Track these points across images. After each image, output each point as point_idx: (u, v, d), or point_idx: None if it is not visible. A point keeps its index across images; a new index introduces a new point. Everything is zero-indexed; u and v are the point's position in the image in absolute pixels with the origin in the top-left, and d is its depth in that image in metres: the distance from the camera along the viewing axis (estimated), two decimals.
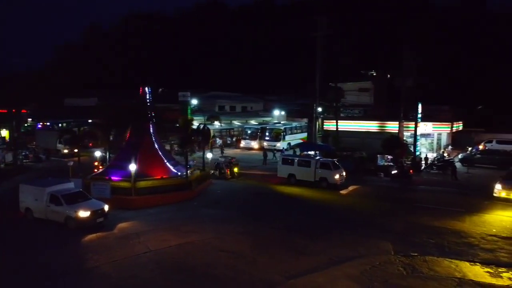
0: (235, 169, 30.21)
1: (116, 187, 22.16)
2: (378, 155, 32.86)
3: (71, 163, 23.98)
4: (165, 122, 27.99)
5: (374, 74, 57.25)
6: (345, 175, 28.34)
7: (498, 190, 23.36)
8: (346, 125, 41.14)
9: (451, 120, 42.22)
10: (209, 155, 28.55)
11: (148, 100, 25.66)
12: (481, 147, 45.14)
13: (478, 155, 37.11)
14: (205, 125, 27.58)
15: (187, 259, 15.10)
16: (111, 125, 25.23)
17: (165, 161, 25.23)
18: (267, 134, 45.98)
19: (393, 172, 30.68)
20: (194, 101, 49.88)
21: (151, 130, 25.38)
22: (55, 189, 19.39)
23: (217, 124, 49.78)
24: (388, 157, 32.42)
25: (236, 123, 54.64)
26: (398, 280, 13.41)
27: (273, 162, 36.18)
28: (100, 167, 26.77)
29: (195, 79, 66.16)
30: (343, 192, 26.26)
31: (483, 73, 58.74)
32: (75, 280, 13.68)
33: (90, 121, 44.17)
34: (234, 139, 50.45)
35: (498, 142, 45.85)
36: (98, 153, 28.19)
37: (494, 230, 18.26)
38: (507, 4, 75.44)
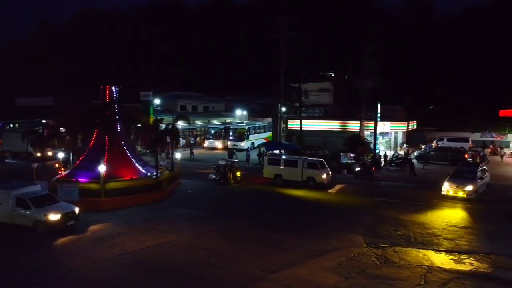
0: (238, 173, 28.69)
1: (84, 189, 21.55)
2: (341, 153, 34.10)
3: (35, 165, 22.98)
4: (133, 122, 27.40)
5: (333, 75, 59.25)
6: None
7: (446, 188, 23.81)
8: (309, 125, 42.33)
9: (404, 119, 44.50)
10: (177, 155, 28.37)
11: (115, 99, 25.17)
12: (433, 144, 48.01)
13: (432, 153, 39.42)
14: (174, 124, 27.30)
15: (167, 258, 15.10)
16: (77, 125, 24.43)
17: (134, 161, 24.85)
18: (231, 133, 46.29)
19: (356, 169, 31.98)
20: (157, 101, 49.17)
21: (118, 130, 24.90)
22: (22, 192, 18.57)
23: (181, 123, 49.27)
24: (351, 155, 33.75)
25: (199, 123, 54.44)
26: (373, 270, 14.19)
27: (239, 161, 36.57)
28: (62, 169, 25.84)
29: (156, 79, 64.96)
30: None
31: (433, 75, 62.25)
32: (53, 286, 13.30)
33: (44, 121, 42.39)
34: (197, 139, 50.29)
35: (449, 140, 48.94)
36: (60, 155, 27.16)
37: (453, 221, 19.66)
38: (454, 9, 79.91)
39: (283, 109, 42.09)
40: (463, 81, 62.38)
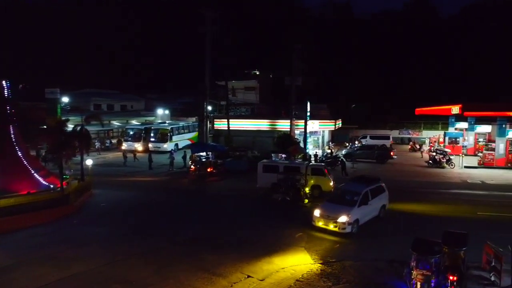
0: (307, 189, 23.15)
1: None
2: (272, 154, 32.39)
3: None
4: (31, 124, 22.94)
5: (258, 74, 57.97)
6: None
7: (316, 217, 17.66)
8: (237, 124, 40.21)
9: (330, 117, 44.41)
10: (88, 162, 24.46)
11: (6, 97, 20.67)
12: (356, 142, 48.71)
13: (359, 151, 39.50)
14: (83, 126, 23.38)
15: None
16: None
17: (33, 171, 20.60)
18: (152, 134, 42.58)
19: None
20: (65, 99, 43.61)
21: (11, 133, 20.45)
22: None
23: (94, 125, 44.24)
24: (282, 155, 32.17)
25: (116, 123, 49.63)
26: None
27: (157, 167, 33.37)
28: None
29: (65, 75, 58.19)
30: None
31: (354, 75, 63.91)
32: None
33: None
34: (114, 141, 45.64)
35: (372, 137, 50.06)
36: None
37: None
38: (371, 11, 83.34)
39: (209, 107, 39.54)
40: (382, 80, 64.98)
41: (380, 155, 38.10)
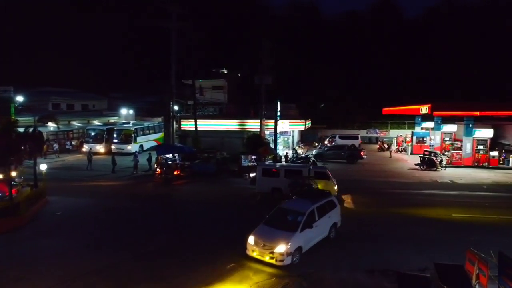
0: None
1: None
2: (242, 156, 31.33)
3: None
4: None
5: (226, 72, 56.62)
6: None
7: (250, 245, 14.32)
8: (205, 124, 38.81)
9: (299, 117, 43.79)
10: (42, 166, 22.44)
11: None
12: (326, 142, 48.42)
13: (330, 151, 39.04)
14: (36, 127, 21.40)
15: None
16: None
17: None
18: (115, 135, 40.51)
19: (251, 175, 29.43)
20: (20, 98, 40.72)
21: None
22: None
23: (52, 125, 41.61)
24: (253, 157, 31.16)
25: (76, 123, 47.01)
26: None
27: (120, 170, 31.56)
28: None
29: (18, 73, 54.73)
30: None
31: (322, 75, 63.74)
32: None
33: None
34: (74, 143, 43.12)
35: (341, 137, 49.88)
36: None
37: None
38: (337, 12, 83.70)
39: (176, 107, 37.90)
40: (350, 80, 65.22)
41: (350, 155, 37.80)
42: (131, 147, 39.05)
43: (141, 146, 40.89)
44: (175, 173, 29.32)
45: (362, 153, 37.97)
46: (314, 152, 39.94)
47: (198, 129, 37.08)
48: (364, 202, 22.77)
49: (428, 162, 32.90)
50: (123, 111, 52.42)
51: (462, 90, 57.73)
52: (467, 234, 16.22)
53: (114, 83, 64.76)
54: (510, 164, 34.10)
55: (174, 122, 36.08)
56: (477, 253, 12.24)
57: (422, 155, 34.04)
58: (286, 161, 34.53)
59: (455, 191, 25.49)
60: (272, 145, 35.80)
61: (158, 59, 41.65)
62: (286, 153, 36.22)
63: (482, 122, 36.52)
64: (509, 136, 44.36)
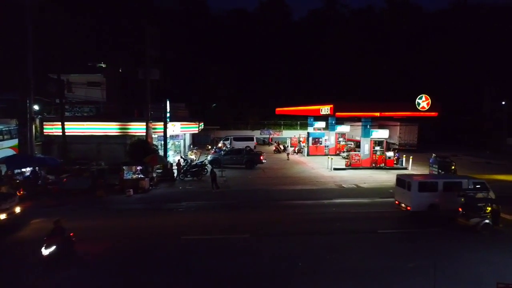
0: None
1: None
2: (124, 166, 25.61)
3: None
4: None
5: (104, 66, 49.22)
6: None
7: None
8: (77, 128, 31.70)
9: (188, 118, 39.36)
10: None
11: None
12: (220, 145, 44.76)
13: (227, 156, 35.29)
14: None
15: None
16: None
17: None
18: None
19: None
20: None
21: None
22: None
23: None
24: (138, 167, 25.67)
25: None
26: None
27: None
28: None
29: None
30: None
31: (214, 74, 60.16)
32: None
33: None
34: None
35: (235, 139, 46.75)
36: None
37: None
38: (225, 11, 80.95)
39: (36, 107, 30.31)
40: (242, 80, 62.84)
41: (249, 160, 34.56)
42: None
43: None
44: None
45: (261, 157, 34.97)
46: (209, 157, 35.83)
47: (67, 133, 29.92)
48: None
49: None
50: None
51: (350, 90, 59.55)
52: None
53: None
54: (404, 164, 34.45)
55: (34, 126, 28.61)
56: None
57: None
58: (178, 170, 29.73)
59: (366, 199, 23.60)
60: (161, 152, 30.62)
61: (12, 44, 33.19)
62: (179, 160, 31.31)
63: (373, 123, 36.48)
64: (394, 135, 46.20)
